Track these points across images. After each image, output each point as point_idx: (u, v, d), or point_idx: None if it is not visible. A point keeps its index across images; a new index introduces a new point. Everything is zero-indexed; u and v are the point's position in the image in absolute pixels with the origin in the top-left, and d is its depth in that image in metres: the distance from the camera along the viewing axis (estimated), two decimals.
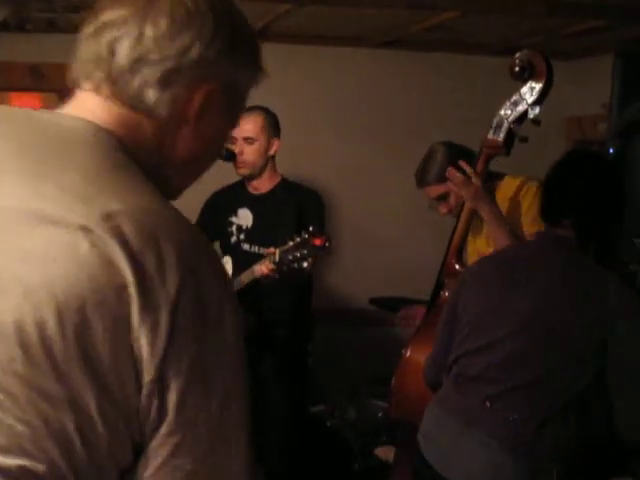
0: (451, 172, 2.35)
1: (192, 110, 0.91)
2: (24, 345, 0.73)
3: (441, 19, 3.14)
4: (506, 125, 2.29)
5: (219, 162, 1.23)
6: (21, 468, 0.74)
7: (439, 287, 2.54)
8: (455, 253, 2.48)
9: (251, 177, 2.93)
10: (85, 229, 0.75)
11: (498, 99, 2.32)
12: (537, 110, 2.25)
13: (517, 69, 2.23)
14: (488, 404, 1.79)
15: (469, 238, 2.57)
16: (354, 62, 3.86)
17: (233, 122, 1.00)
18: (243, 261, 2.80)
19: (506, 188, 2.51)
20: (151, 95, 0.88)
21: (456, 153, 2.50)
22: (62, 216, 0.76)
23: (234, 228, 2.96)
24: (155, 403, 0.76)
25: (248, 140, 2.83)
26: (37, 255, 0.75)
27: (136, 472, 0.78)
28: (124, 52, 0.87)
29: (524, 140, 2.31)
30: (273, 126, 2.89)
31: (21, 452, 0.74)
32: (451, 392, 1.91)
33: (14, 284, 0.74)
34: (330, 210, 3.38)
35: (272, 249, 2.54)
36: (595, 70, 3.76)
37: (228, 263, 2.89)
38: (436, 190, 2.54)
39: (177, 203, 0.91)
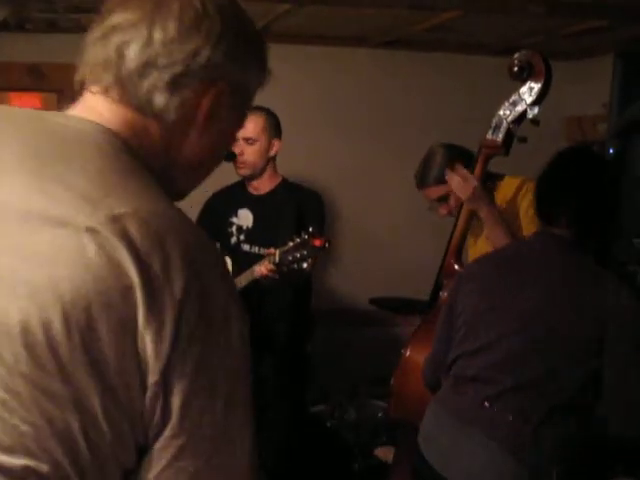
0: (449, 173, 2.36)
1: (200, 113, 0.91)
2: (30, 346, 0.73)
3: (441, 19, 3.14)
4: (505, 125, 2.29)
5: None
6: (25, 468, 0.74)
7: (438, 287, 2.53)
8: (454, 253, 2.47)
9: (251, 178, 2.92)
10: (92, 230, 0.75)
11: (498, 99, 2.32)
12: (536, 110, 2.25)
13: (516, 69, 2.23)
14: (487, 404, 1.79)
15: (470, 240, 2.56)
16: (354, 62, 3.85)
17: (240, 123, 1.00)
18: (243, 262, 2.80)
19: (505, 188, 2.51)
20: (160, 99, 0.88)
21: (455, 154, 2.50)
22: (68, 217, 0.76)
23: (234, 229, 2.96)
24: (159, 405, 0.76)
25: (249, 140, 2.83)
26: (42, 256, 0.75)
27: (140, 473, 0.79)
28: (133, 56, 0.87)
29: (523, 140, 2.31)
30: (274, 127, 2.88)
31: (25, 452, 0.74)
32: (450, 392, 1.91)
33: (19, 285, 0.74)
34: (330, 210, 3.38)
35: (272, 250, 2.54)
36: (595, 70, 3.76)
37: (228, 264, 2.89)
38: (436, 191, 2.54)
39: (177, 203, 0.91)
